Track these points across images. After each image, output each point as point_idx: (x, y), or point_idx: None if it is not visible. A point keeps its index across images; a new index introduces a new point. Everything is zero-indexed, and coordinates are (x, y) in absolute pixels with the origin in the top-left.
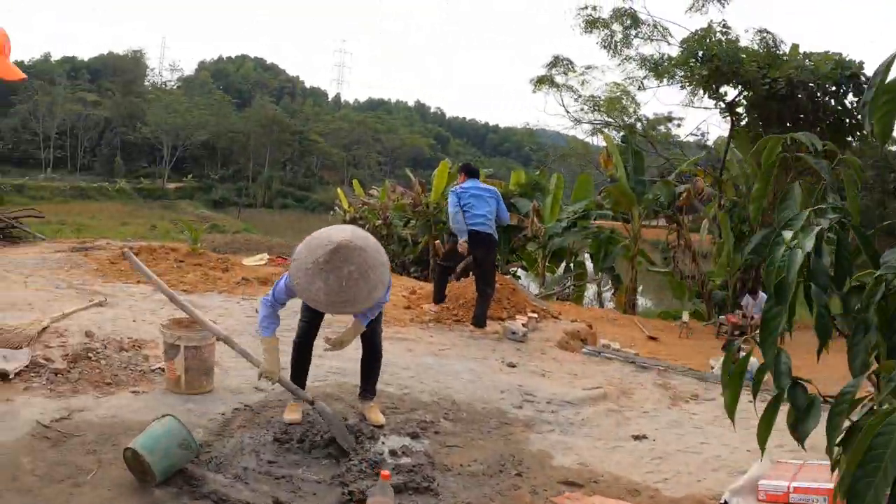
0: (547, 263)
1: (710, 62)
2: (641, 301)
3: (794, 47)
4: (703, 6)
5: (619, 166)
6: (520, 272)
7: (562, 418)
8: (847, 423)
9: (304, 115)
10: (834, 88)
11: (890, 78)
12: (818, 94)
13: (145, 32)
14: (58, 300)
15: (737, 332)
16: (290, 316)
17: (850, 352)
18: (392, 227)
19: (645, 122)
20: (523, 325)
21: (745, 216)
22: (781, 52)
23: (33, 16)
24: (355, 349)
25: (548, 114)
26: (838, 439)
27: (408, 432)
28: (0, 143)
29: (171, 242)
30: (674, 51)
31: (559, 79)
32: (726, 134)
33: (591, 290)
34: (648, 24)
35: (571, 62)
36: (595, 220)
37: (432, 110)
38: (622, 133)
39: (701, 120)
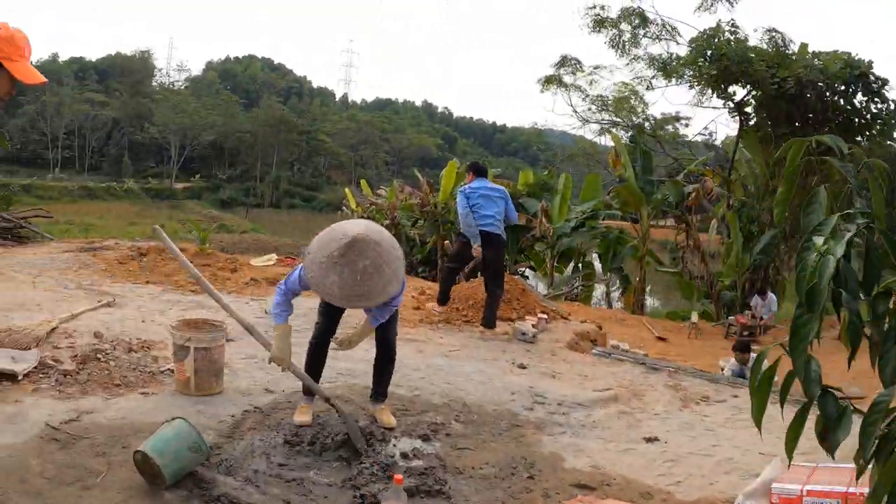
0: (555, 264)
1: (718, 62)
2: (649, 301)
3: (803, 46)
4: (711, 5)
5: (628, 166)
6: (527, 272)
7: (573, 420)
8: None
9: (312, 115)
10: (843, 88)
11: None
12: (827, 94)
13: (153, 33)
14: (66, 300)
15: (746, 333)
16: (300, 318)
17: (881, 360)
18: (400, 228)
19: (652, 121)
20: (533, 326)
21: (754, 216)
22: (790, 52)
23: (33, 16)
24: (365, 350)
25: (556, 114)
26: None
27: (419, 434)
28: (9, 144)
29: (179, 242)
30: (682, 50)
31: (567, 78)
32: (734, 133)
33: (598, 290)
34: (657, 24)
35: (579, 62)
36: (603, 220)
37: (440, 110)
38: (630, 133)
39: (709, 120)
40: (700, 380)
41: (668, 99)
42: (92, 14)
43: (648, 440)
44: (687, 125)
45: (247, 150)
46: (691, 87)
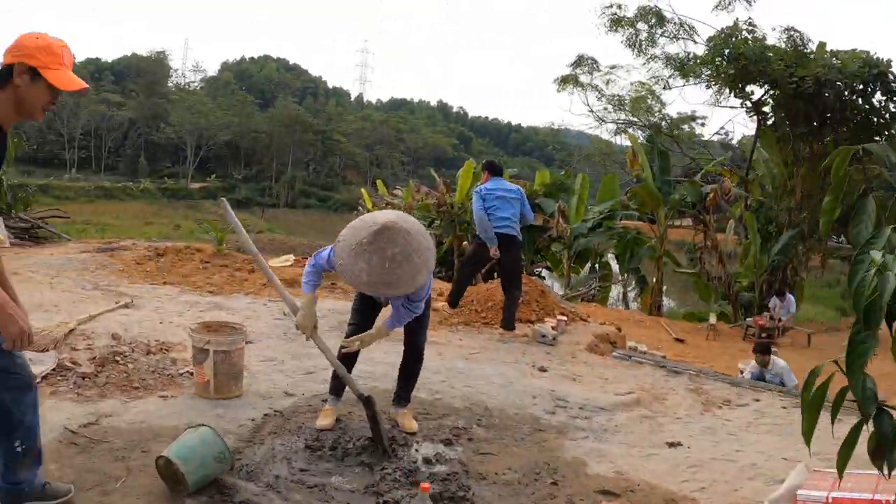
0: (572, 264)
1: (736, 61)
2: (665, 302)
3: (821, 45)
4: (729, 4)
5: (646, 166)
6: (544, 273)
7: (595, 425)
8: None
9: (327, 115)
10: (861, 87)
11: None
12: (845, 93)
13: (168, 33)
14: (84, 301)
15: (764, 335)
16: (320, 319)
17: None
18: None
19: (669, 121)
20: (553, 328)
21: (772, 216)
22: (808, 51)
23: (33, 16)
24: (384, 353)
25: (573, 113)
26: None
27: (441, 439)
28: (25, 144)
29: (195, 242)
30: (700, 49)
31: (584, 78)
32: (751, 133)
33: (615, 291)
34: (674, 23)
35: (596, 61)
36: (621, 220)
37: (455, 110)
38: (646, 132)
39: (726, 119)
40: (721, 383)
41: (686, 98)
42: (92, 14)
43: (671, 445)
44: (703, 124)
45: (262, 150)
46: (708, 86)
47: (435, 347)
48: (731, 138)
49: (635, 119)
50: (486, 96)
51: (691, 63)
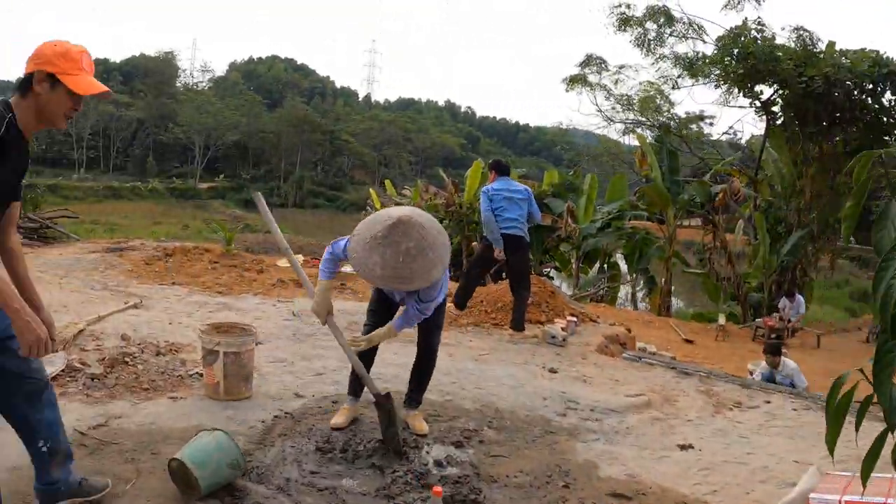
0: (580, 264)
1: (745, 60)
2: (674, 302)
3: (831, 45)
4: (738, 3)
5: (655, 166)
6: (552, 273)
7: (606, 427)
8: None
9: (335, 115)
10: (871, 86)
11: None
12: (855, 93)
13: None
14: (93, 302)
15: (773, 336)
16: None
17: None
18: None
19: (677, 121)
20: (562, 329)
21: (781, 217)
22: (818, 50)
23: (33, 16)
24: (395, 353)
25: (581, 113)
26: None
27: (452, 441)
28: (34, 144)
29: (203, 242)
30: (709, 49)
31: (592, 78)
32: (760, 133)
33: (623, 291)
34: (683, 22)
35: (604, 61)
36: (629, 220)
37: (462, 110)
38: (655, 132)
39: (735, 119)
40: (732, 385)
41: (694, 98)
42: (92, 14)
43: (682, 447)
44: (712, 124)
45: (270, 150)
46: (717, 86)
47: (445, 349)
48: (740, 138)
49: (644, 119)
50: (489, 96)
51: (700, 63)
